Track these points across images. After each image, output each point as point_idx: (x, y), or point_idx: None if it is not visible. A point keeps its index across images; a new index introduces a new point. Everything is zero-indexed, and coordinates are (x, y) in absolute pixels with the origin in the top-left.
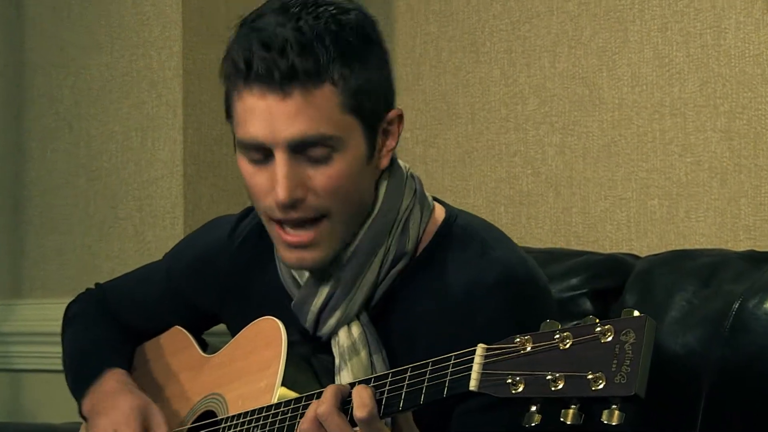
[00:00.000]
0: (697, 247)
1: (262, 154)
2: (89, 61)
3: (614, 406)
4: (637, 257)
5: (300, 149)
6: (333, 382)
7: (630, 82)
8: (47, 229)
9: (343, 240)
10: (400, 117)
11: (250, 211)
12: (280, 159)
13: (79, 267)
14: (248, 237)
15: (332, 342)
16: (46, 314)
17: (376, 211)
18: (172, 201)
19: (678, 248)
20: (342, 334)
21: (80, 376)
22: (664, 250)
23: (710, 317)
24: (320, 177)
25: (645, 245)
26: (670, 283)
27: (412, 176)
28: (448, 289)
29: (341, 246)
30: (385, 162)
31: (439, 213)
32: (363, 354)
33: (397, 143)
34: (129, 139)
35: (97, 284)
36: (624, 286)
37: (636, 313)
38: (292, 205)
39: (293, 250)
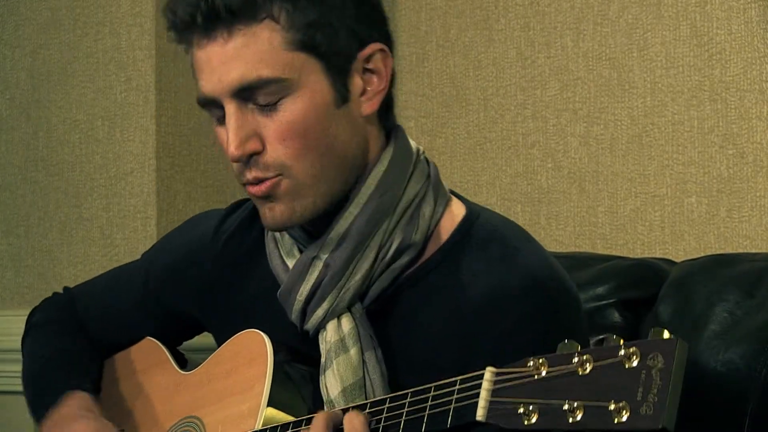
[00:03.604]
0: (741, 251)
1: (220, 110)
2: (48, 40)
3: None
4: (672, 263)
5: (246, 96)
6: (314, 391)
7: (664, 64)
8: (1, 231)
9: (317, 198)
10: (383, 51)
11: (239, 205)
12: (228, 110)
13: (38, 274)
14: (235, 233)
15: (319, 336)
16: (1, 328)
17: (373, 187)
18: (144, 199)
19: (719, 252)
20: (330, 327)
21: (39, 396)
22: (702, 254)
23: (755, 331)
24: (272, 125)
25: (681, 249)
26: (710, 293)
27: (427, 161)
28: (465, 293)
29: (317, 205)
30: (370, 107)
31: (458, 209)
32: (353, 351)
33: (386, 84)
34: (94, 129)
35: (65, 288)
36: (657, 296)
37: (666, 334)
38: (247, 161)
39: (262, 206)
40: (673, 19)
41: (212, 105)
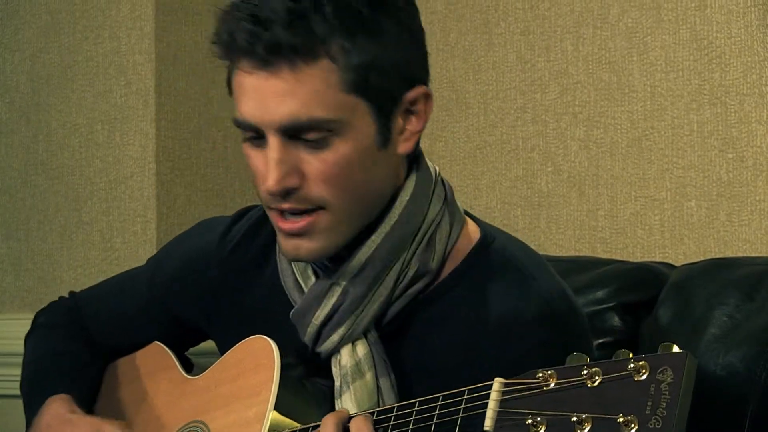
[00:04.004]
0: (740, 254)
1: (258, 133)
2: (48, 44)
3: None
4: (671, 266)
5: (293, 133)
6: (331, 409)
7: (664, 67)
8: (1, 235)
9: (346, 234)
10: (427, 96)
11: (245, 212)
12: (272, 143)
13: (38, 278)
14: (241, 241)
15: (332, 360)
16: (1, 332)
17: (397, 216)
18: (144, 203)
19: (718, 256)
20: (345, 352)
21: (29, 400)
22: (702, 258)
23: (755, 334)
24: (317, 163)
25: (681, 253)
26: (710, 296)
27: (443, 181)
28: (479, 318)
29: (345, 240)
30: (406, 147)
31: (473, 231)
32: (368, 376)
33: (424, 126)
34: (94, 133)
35: (71, 293)
36: (657, 300)
37: (675, 348)
38: (284, 194)
39: (289, 238)
40: (672, 22)
41: (251, 129)
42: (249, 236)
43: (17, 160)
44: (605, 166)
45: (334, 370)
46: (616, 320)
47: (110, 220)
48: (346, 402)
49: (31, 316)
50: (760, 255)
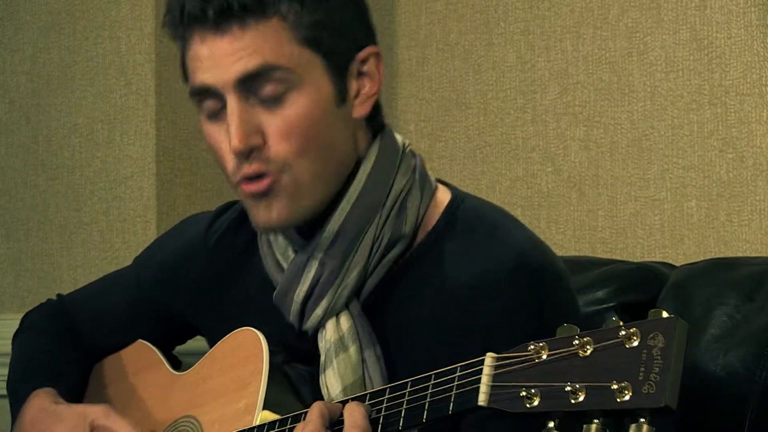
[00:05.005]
0: (740, 254)
1: (216, 102)
2: (48, 44)
3: (642, 420)
4: (671, 266)
5: (250, 88)
6: (312, 392)
7: (664, 68)
8: (1, 235)
9: (311, 198)
10: (377, 55)
11: (229, 206)
12: (231, 104)
13: (38, 278)
14: (226, 233)
15: (318, 336)
16: (1, 332)
17: (362, 184)
18: (144, 203)
19: (718, 256)
20: (329, 326)
21: (14, 400)
22: (702, 258)
23: (755, 334)
24: (276, 120)
25: (681, 253)
26: (710, 296)
27: (413, 154)
28: (454, 279)
29: (311, 204)
30: (362, 110)
31: (443, 196)
32: (352, 350)
33: (378, 89)
34: (94, 133)
35: (58, 295)
36: (657, 300)
37: (664, 313)
38: (248, 153)
39: (257, 203)
40: (672, 22)
41: (208, 95)
42: (233, 228)
43: (17, 160)
44: (605, 167)
45: (320, 345)
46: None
47: (110, 220)
48: (330, 377)
49: None
50: (760, 255)
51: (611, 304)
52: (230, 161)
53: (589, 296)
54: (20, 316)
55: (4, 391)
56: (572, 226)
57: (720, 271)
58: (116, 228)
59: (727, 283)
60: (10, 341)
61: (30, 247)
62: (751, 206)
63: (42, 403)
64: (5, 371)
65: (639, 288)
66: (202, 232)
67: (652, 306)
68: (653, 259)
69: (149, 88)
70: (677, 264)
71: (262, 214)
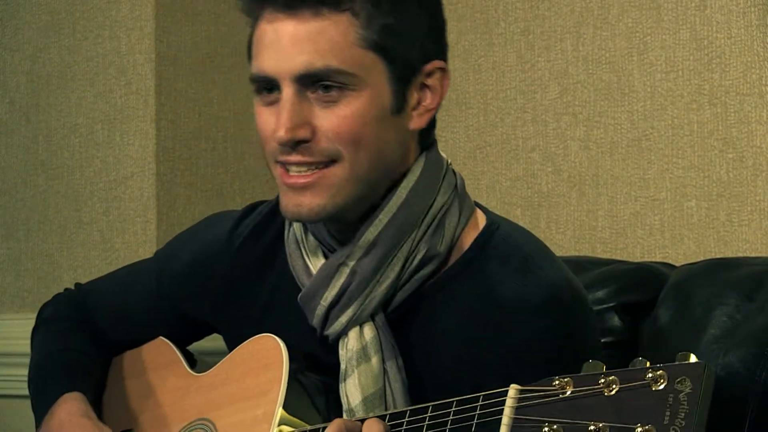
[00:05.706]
0: (740, 254)
1: (272, 92)
2: (48, 44)
3: None
4: (671, 266)
5: (308, 83)
6: (327, 402)
7: (664, 68)
8: (1, 235)
9: (350, 197)
10: (443, 70)
11: (254, 207)
12: (287, 93)
13: (38, 278)
14: (250, 236)
15: (340, 343)
16: (1, 332)
17: (404, 196)
18: (144, 203)
19: (718, 256)
20: (352, 335)
21: (38, 398)
22: (702, 258)
23: (755, 334)
24: (330, 117)
25: (681, 253)
26: (710, 296)
27: (454, 172)
28: (484, 303)
29: (347, 203)
30: (419, 122)
31: (480, 219)
32: (374, 360)
33: (439, 103)
34: (94, 133)
35: (76, 284)
36: (657, 300)
37: (693, 358)
38: (293, 144)
39: (292, 194)
40: (672, 22)
41: (266, 84)
42: (258, 231)
43: (17, 160)
44: (605, 166)
45: (341, 353)
46: (616, 320)
47: (110, 220)
48: (350, 387)
49: (31, 315)
50: (760, 255)
51: (611, 304)
52: (272, 144)
53: (589, 296)
54: (20, 316)
55: (5, 392)
56: (572, 226)
57: (720, 271)
58: (116, 228)
59: (727, 283)
60: (10, 341)
61: (30, 247)
62: (751, 206)
63: (72, 409)
64: (5, 371)
65: (639, 288)
66: (226, 234)
67: (652, 306)
68: (653, 259)
69: (149, 88)
70: (677, 264)
71: (293, 204)
